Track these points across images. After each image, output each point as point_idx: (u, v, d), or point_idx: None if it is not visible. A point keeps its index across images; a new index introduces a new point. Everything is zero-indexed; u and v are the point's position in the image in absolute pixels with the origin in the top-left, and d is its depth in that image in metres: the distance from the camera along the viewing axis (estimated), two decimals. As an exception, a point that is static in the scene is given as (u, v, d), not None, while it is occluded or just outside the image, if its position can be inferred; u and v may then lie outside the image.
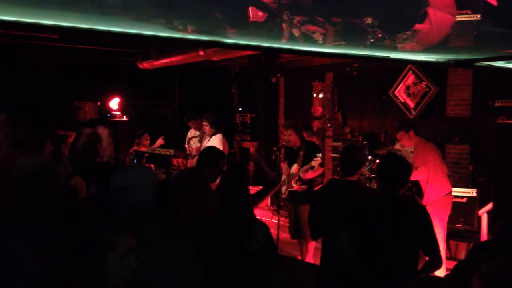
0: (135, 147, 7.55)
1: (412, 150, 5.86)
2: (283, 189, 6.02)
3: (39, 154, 4.38)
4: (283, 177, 6.06)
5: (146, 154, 7.20)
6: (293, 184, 5.82)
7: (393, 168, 3.21)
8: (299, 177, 5.77)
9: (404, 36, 3.97)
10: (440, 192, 5.38)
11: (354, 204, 3.30)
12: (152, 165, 7.43)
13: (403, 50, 4.55)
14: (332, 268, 3.53)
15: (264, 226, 2.93)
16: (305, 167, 5.62)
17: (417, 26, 3.65)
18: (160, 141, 7.56)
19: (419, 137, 5.61)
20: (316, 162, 5.50)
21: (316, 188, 5.71)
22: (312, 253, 5.71)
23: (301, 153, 5.76)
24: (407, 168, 3.27)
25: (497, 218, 2.69)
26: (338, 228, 3.39)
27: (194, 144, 7.22)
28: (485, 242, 2.92)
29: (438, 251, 3.05)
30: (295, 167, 5.84)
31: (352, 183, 3.73)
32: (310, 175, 5.67)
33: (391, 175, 3.19)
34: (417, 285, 1.96)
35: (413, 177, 5.41)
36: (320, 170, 5.71)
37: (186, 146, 7.39)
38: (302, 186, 5.74)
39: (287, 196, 5.98)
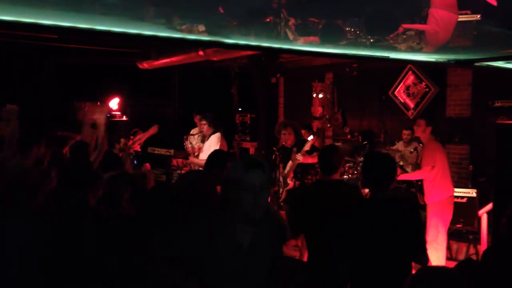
0: (130, 142, 7.57)
1: (416, 149, 5.86)
2: (281, 190, 6.05)
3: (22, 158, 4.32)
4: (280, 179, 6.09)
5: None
6: (289, 182, 5.85)
7: (378, 166, 3.14)
8: (294, 173, 5.81)
9: (405, 36, 3.98)
10: (445, 194, 5.39)
11: (344, 209, 3.27)
12: (148, 164, 7.44)
13: (409, 51, 4.54)
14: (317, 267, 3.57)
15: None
16: (301, 152, 5.66)
17: (424, 27, 3.65)
18: (153, 129, 7.54)
19: (432, 136, 5.57)
20: (308, 143, 5.63)
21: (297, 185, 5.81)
22: None
23: (295, 149, 5.82)
24: (392, 164, 3.22)
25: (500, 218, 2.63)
26: (320, 227, 3.44)
27: (196, 143, 7.21)
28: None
29: (426, 250, 3.06)
30: (289, 165, 5.87)
31: (336, 182, 3.75)
32: (308, 159, 5.70)
33: (378, 174, 3.12)
34: (421, 276, 1.93)
35: (417, 176, 5.41)
36: (316, 159, 5.76)
37: (186, 142, 7.37)
38: (296, 182, 5.78)
39: (285, 197, 5.99)
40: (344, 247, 3.16)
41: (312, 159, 5.75)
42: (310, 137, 5.76)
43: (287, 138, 5.92)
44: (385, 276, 3.00)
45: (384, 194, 3.11)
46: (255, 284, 2.19)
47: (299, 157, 5.66)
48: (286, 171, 5.93)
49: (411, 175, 5.50)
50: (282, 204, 6.66)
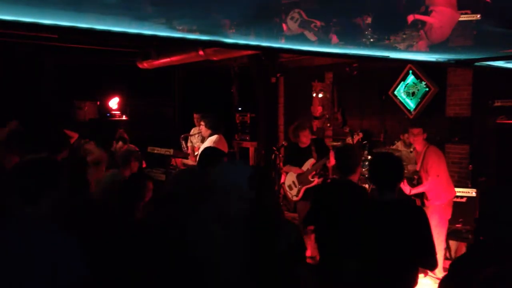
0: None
1: (415, 151, 5.83)
2: (294, 191, 6.09)
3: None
4: (285, 178, 6.13)
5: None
6: (311, 179, 5.92)
7: (386, 167, 3.14)
8: (316, 171, 5.93)
9: (405, 35, 3.97)
10: (448, 197, 5.41)
11: (351, 212, 3.27)
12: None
13: (411, 50, 4.54)
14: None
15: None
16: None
17: (427, 19, 3.64)
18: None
19: (427, 141, 5.54)
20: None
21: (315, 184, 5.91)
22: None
23: (313, 147, 5.97)
24: (400, 165, 3.20)
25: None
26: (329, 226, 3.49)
27: (197, 143, 7.20)
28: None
29: (435, 252, 3.03)
30: (310, 162, 5.94)
31: (349, 183, 3.77)
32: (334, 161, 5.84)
33: (385, 175, 3.12)
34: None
35: (428, 188, 5.35)
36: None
37: (182, 142, 7.36)
38: (319, 180, 5.87)
39: (302, 195, 6.03)
40: (351, 248, 3.15)
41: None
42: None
43: (307, 140, 6.04)
44: (392, 278, 2.99)
45: (391, 196, 3.10)
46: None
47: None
48: (306, 169, 5.99)
49: (421, 188, 5.45)
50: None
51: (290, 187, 6.14)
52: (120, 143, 7.13)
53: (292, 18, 3.67)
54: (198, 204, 2.46)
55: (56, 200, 2.32)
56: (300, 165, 6.04)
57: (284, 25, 3.82)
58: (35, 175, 2.28)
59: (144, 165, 7.26)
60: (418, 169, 5.57)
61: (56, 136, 4.90)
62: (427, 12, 3.51)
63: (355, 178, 3.84)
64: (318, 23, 3.70)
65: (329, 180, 6.04)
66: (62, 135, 5.06)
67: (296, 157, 6.12)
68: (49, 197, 2.28)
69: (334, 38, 4.08)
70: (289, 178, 6.15)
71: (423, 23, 3.77)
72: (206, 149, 4.18)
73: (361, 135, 6.57)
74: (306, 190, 5.95)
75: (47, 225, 2.24)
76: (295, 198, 6.11)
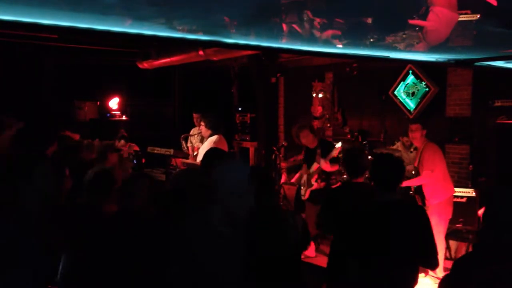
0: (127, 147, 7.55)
1: (416, 149, 5.85)
2: (302, 190, 6.22)
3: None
4: (284, 178, 6.15)
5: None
6: (313, 183, 5.97)
7: (386, 168, 3.15)
8: (318, 175, 5.88)
9: (404, 35, 3.97)
10: (446, 195, 5.40)
11: (351, 211, 3.28)
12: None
13: (411, 50, 4.54)
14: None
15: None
16: (327, 158, 5.84)
17: (426, 24, 3.64)
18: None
19: (427, 138, 5.54)
20: (336, 150, 5.78)
21: (334, 187, 5.93)
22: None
23: (318, 151, 5.99)
24: (400, 166, 3.21)
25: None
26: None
27: (196, 143, 7.20)
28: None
29: (436, 252, 3.03)
30: (315, 166, 5.97)
31: (359, 185, 3.78)
32: (328, 168, 5.79)
33: (386, 176, 3.13)
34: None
35: (419, 182, 5.39)
36: (336, 167, 5.96)
37: (183, 143, 7.36)
38: (321, 184, 5.89)
39: (309, 196, 6.11)
40: (353, 248, 3.15)
41: (332, 168, 5.92)
42: (339, 144, 5.87)
43: (306, 141, 6.07)
44: (392, 278, 2.99)
45: (391, 196, 3.11)
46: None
47: (322, 163, 5.79)
48: (311, 171, 6.04)
49: (414, 181, 5.47)
50: (281, 204, 6.76)
51: (302, 187, 6.35)
52: (122, 141, 7.17)
53: (306, 21, 3.67)
54: (199, 203, 2.46)
55: (38, 193, 2.35)
56: (309, 166, 6.20)
57: (284, 25, 3.82)
58: (13, 169, 2.35)
59: (143, 161, 7.29)
60: (416, 165, 5.59)
61: (43, 131, 4.91)
62: (426, 13, 3.51)
63: (361, 180, 3.89)
64: (319, 20, 3.70)
65: (337, 185, 6.06)
66: (51, 129, 5.06)
67: (306, 159, 6.30)
68: (25, 190, 2.33)
69: (334, 37, 4.08)
70: (303, 178, 6.34)
71: (420, 26, 3.77)
72: (209, 150, 4.18)
73: (348, 136, 6.60)
74: (311, 192, 6.06)
75: (23, 218, 2.29)
76: (303, 198, 6.29)
